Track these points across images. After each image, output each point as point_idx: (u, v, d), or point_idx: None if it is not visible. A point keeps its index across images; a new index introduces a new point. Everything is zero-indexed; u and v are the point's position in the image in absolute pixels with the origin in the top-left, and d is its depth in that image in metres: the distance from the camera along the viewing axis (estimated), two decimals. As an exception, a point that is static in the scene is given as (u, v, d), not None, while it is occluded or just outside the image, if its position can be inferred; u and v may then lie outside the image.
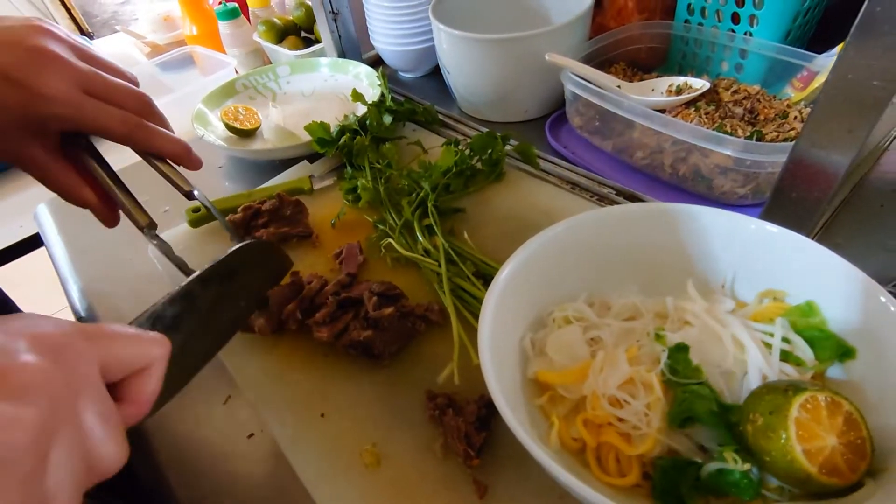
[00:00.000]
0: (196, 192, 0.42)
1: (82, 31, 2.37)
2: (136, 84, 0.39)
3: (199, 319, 0.33)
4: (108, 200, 0.40)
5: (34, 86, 0.33)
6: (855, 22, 0.31)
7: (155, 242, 0.41)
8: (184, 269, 0.42)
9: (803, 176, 0.38)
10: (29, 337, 0.19)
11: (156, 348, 0.24)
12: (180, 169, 0.42)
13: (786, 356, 0.33)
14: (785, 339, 0.34)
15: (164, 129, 0.39)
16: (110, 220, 0.42)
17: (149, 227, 0.41)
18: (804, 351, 0.33)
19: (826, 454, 0.26)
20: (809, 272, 0.35)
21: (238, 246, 0.38)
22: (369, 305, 0.44)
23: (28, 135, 0.35)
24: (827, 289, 0.35)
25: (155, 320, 0.30)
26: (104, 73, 0.37)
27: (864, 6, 0.30)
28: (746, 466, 0.27)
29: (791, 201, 0.41)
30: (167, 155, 0.40)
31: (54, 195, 0.65)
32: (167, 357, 0.24)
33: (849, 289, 0.33)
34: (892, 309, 0.30)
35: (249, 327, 0.45)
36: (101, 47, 1.19)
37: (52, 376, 0.18)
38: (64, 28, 0.38)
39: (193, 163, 0.41)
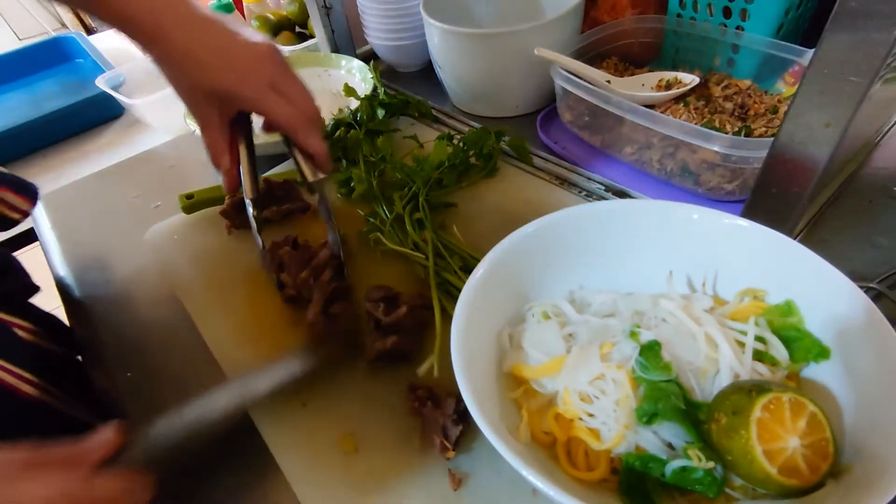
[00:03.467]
0: (317, 184, 0.49)
1: (85, 25, 2.38)
2: (313, 100, 0.48)
3: None
4: (237, 172, 0.48)
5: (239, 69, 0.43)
6: (830, 16, 0.31)
7: (254, 214, 0.50)
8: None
9: (782, 171, 0.38)
10: None
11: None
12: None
13: (760, 355, 0.33)
14: (760, 339, 0.34)
15: (316, 133, 0.47)
16: (232, 189, 0.49)
17: (253, 200, 0.49)
18: (779, 350, 0.33)
19: (786, 455, 0.26)
20: (789, 271, 0.35)
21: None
22: (378, 313, 0.44)
23: (216, 102, 0.44)
24: (806, 288, 0.34)
25: None
26: (294, 79, 0.46)
27: (838, 1, 0.30)
28: (710, 465, 0.27)
29: (771, 197, 0.40)
30: (311, 152, 0.47)
31: (47, 192, 0.66)
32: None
33: (826, 289, 0.33)
34: (867, 312, 0.30)
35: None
36: (102, 42, 1.20)
37: None
38: None
39: (327, 167, 0.49)
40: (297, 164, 0.49)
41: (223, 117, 0.46)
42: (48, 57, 1.21)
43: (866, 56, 0.31)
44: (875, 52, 0.31)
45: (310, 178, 0.48)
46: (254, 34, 0.45)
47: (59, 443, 0.31)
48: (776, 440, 0.26)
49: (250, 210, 0.50)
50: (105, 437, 0.33)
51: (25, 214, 0.56)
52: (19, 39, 2.49)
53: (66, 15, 2.49)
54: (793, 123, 0.36)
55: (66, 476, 0.29)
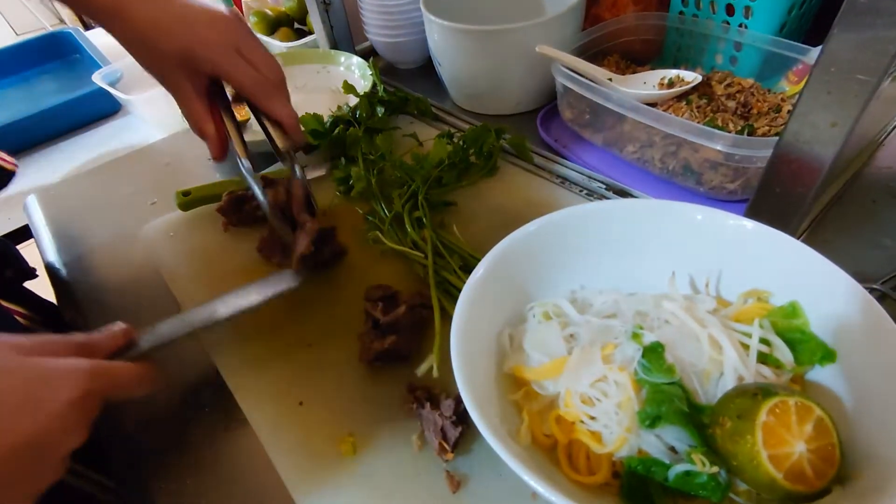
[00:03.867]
0: (288, 153, 0.48)
1: (82, 21, 2.36)
2: (279, 67, 0.48)
3: None
4: (222, 137, 0.49)
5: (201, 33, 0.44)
6: (838, 14, 0.30)
7: (250, 177, 0.48)
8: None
9: (787, 171, 0.38)
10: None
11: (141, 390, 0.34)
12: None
13: (765, 358, 0.33)
14: (765, 341, 0.33)
15: (283, 99, 0.48)
16: (219, 154, 0.50)
17: (249, 164, 0.48)
18: (783, 353, 0.32)
19: (792, 460, 0.25)
20: (793, 272, 0.35)
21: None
22: (377, 312, 0.44)
23: (184, 69, 0.45)
24: (811, 290, 0.34)
25: None
26: (258, 45, 0.47)
27: (847, -2, 0.30)
28: (714, 469, 0.27)
29: (776, 196, 0.40)
30: (278, 118, 0.48)
31: (42, 187, 0.66)
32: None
33: (832, 291, 0.33)
34: (874, 314, 0.30)
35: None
36: (99, 38, 1.19)
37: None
38: None
39: (297, 135, 0.49)
40: (266, 133, 0.49)
41: (196, 84, 0.46)
42: (45, 52, 1.20)
43: (875, 54, 0.30)
44: (884, 49, 0.30)
45: (281, 145, 0.48)
46: (215, 3, 0.46)
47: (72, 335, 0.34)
48: (782, 445, 0.26)
49: (246, 172, 0.48)
50: (114, 331, 0.36)
51: (15, 166, 0.57)
52: (16, 35, 2.48)
53: (64, 11, 2.48)
54: (798, 122, 0.35)
55: (83, 358, 0.31)
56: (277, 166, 0.67)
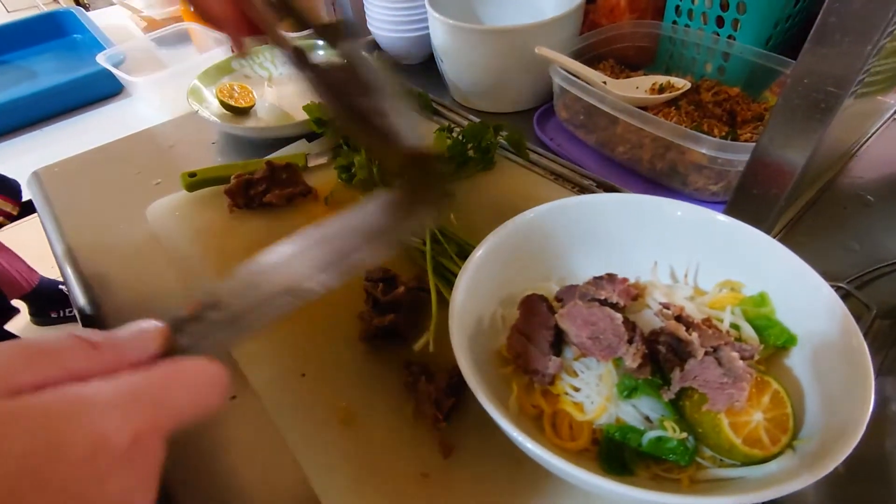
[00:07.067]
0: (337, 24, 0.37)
1: (78, 2, 2.34)
2: None
3: None
4: (241, 21, 0.40)
5: None
6: (811, 31, 0.33)
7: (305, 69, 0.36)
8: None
9: (763, 174, 0.41)
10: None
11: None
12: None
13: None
14: (735, 326, 0.36)
15: None
16: (239, 43, 0.42)
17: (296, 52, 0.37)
18: (750, 336, 0.36)
19: (750, 427, 0.29)
20: (764, 265, 0.38)
21: None
22: (377, 292, 0.46)
23: None
24: (778, 281, 0.37)
25: None
26: None
27: (819, 16, 0.33)
28: (683, 435, 0.30)
29: (752, 197, 0.43)
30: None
31: (47, 164, 0.66)
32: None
33: (797, 283, 0.36)
34: (831, 303, 0.33)
35: None
36: (98, 19, 1.19)
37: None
38: None
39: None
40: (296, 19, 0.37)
41: None
42: (45, 31, 1.20)
43: (843, 68, 0.33)
44: (851, 64, 0.33)
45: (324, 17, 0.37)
46: None
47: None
48: (742, 414, 0.29)
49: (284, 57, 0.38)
50: (144, 331, 0.22)
51: (10, 217, 0.53)
52: (7, 11, 2.45)
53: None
54: (774, 128, 0.39)
55: (113, 374, 0.19)
56: (289, 149, 0.68)
